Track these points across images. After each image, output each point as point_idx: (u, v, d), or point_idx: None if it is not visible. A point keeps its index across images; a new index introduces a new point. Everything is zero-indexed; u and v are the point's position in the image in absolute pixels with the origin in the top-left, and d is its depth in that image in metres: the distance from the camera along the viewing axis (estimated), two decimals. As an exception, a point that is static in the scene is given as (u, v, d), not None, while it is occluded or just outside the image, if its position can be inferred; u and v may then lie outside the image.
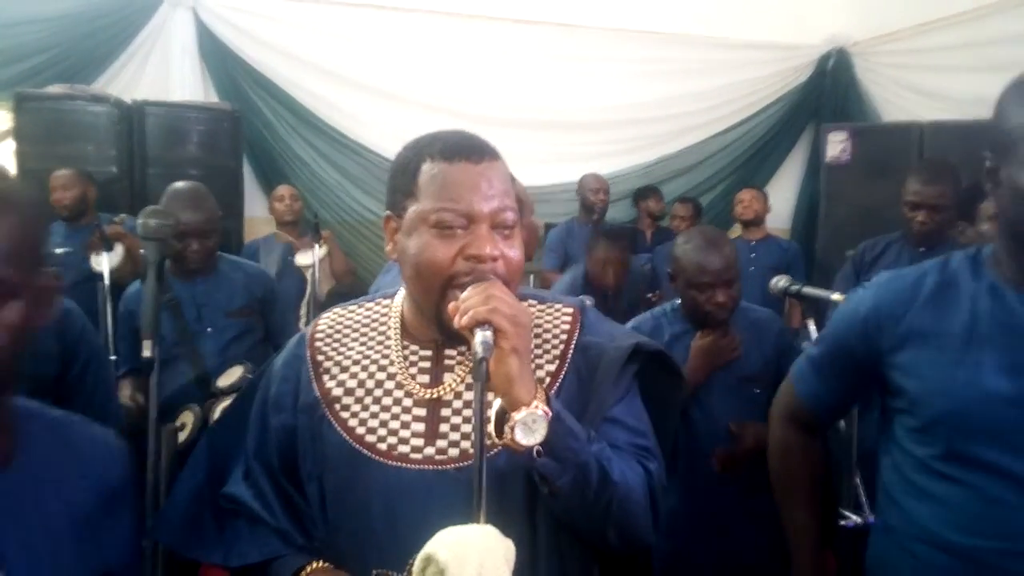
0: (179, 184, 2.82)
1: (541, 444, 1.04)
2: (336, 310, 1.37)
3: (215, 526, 1.29)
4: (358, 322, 1.33)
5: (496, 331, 1.03)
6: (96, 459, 1.09)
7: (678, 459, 2.21)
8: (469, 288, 1.08)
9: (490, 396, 1.06)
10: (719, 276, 2.23)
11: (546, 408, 1.04)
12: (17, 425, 1.02)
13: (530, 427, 1.03)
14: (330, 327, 1.33)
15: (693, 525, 2.25)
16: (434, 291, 1.15)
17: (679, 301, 2.40)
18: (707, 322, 2.28)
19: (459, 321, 1.05)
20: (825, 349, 1.55)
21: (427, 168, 1.16)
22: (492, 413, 1.07)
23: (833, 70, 6.23)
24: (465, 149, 1.17)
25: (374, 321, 1.32)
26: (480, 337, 1.01)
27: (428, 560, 0.91)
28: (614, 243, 3.91)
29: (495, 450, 1.10)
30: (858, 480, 2.05)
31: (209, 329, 2.75)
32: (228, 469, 1.33)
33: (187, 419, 2.48)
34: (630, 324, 2.41)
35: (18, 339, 0.92)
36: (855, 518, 2.02)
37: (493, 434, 1.06)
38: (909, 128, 4.84)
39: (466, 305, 1.05)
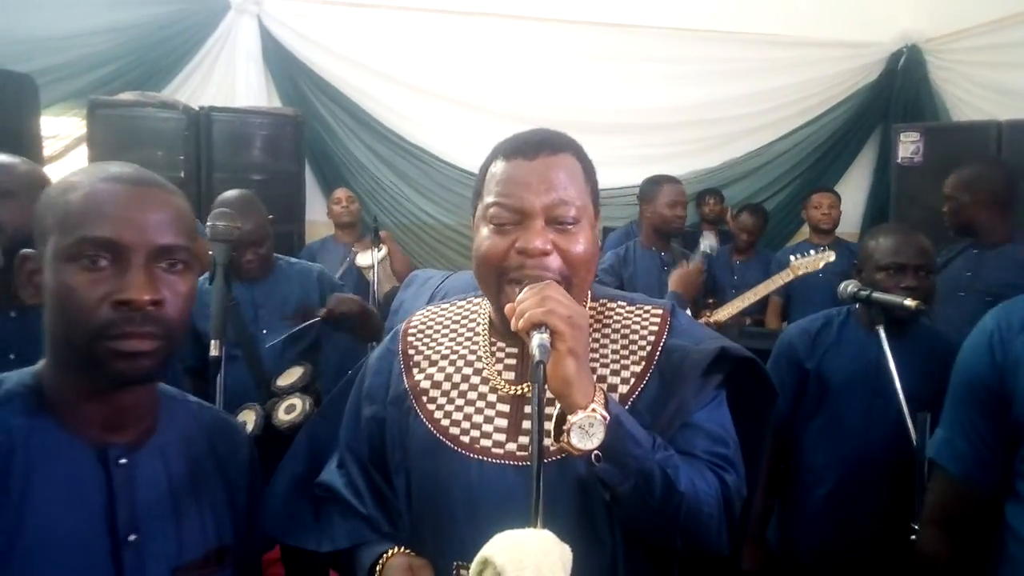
0: (227, 193, 2.83)
1: (600, 449, 1.03)
2: (429, 307, 1.42)
3: (311, 514, 1.34)
4: (449, 318, 1.37)
5: (553, 333, 1.02)
6: (223, 444, 1.19)
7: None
8: (525, 290, 1.08)
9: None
10: (912, 258, 2.20)
11: (604, 412, 1.03)
12: (161, 404, 1.13)
13: (586, 431, 1.02)
14: (422, 323, 1.37)
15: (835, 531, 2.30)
16: (491, 285, 1.18)
17: (856, 304, 2.37)
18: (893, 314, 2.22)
19: (515, 324, 1.05)
20: (958, 398, 1.43)
21: (492, 167, 1.21)
22: (553, 415, 1.06)
23: (904, 68, 6.04)
24: (523, 146, 1.19)
25: (464, 318, 1.35)
26: (537, 340, 1.01)
27: (485, 563, 0.91)
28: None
29: (565, 453, 1.09)
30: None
31: (265, 331, 2.78)
32: (325, 459, 1.38)
33: (248, 417, 2.51)
34: (801, 322, 2.48)
35: (190, 306, 1.05)
36: None
37: (552, 436, 1.05)
38: (986, 127, 4.63)
39: (522, 307, 1.05)
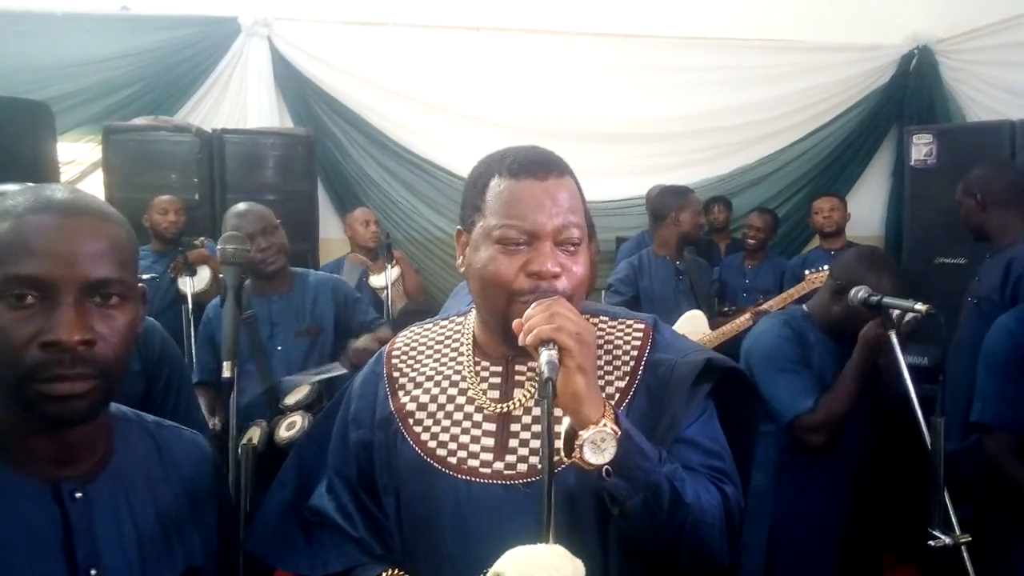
0: (234, 209, 2.90)
1: (610, 463, 1.03)
2: (413, 328, 1.40)
3: (302, 537, 1.33)
4: (433, 339, 1.36)
5: (561, 349, 1.02)
6: (185, 461, 1.15)
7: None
8: (533, 305, 1.07)
9: (559, 413, 1.05)
10: None
11: (615, 427, 1.03)
12: (115, 429, 1.08)
13: (598, 446, 1.02)
14: (406, 344, 1.37)
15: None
16: (498, 305, 1.17)
17: (804, 308, 2.41)
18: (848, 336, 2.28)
19: (524, 339, 1.05)
20: None
21: (494, 184, 1.18)
22: (561, 431, 1.06)
23: (916, 70, 6.01)
24: (531, 166, 1.17)
25: (448, 338, 1.34)
26: (546, 357, 1.01)
27: None
28: None
29: (562, 466, 1.09)
30: (947, 498, 1.93)
31: (279, 348, 2.80)
32: (314, 483, 1.37)
33: (253, 435, 2.52)
34: (763, 326, 2.42)
35: (132, 339, 1.00)
36: (945, 539, 1.89)
37: (562, 452, 1.05)
38: (999, 127, 4.60)
39: (531, 323, 1.04)
